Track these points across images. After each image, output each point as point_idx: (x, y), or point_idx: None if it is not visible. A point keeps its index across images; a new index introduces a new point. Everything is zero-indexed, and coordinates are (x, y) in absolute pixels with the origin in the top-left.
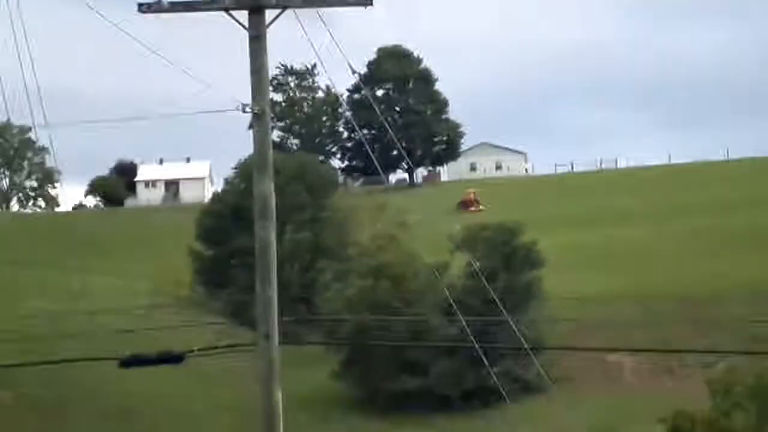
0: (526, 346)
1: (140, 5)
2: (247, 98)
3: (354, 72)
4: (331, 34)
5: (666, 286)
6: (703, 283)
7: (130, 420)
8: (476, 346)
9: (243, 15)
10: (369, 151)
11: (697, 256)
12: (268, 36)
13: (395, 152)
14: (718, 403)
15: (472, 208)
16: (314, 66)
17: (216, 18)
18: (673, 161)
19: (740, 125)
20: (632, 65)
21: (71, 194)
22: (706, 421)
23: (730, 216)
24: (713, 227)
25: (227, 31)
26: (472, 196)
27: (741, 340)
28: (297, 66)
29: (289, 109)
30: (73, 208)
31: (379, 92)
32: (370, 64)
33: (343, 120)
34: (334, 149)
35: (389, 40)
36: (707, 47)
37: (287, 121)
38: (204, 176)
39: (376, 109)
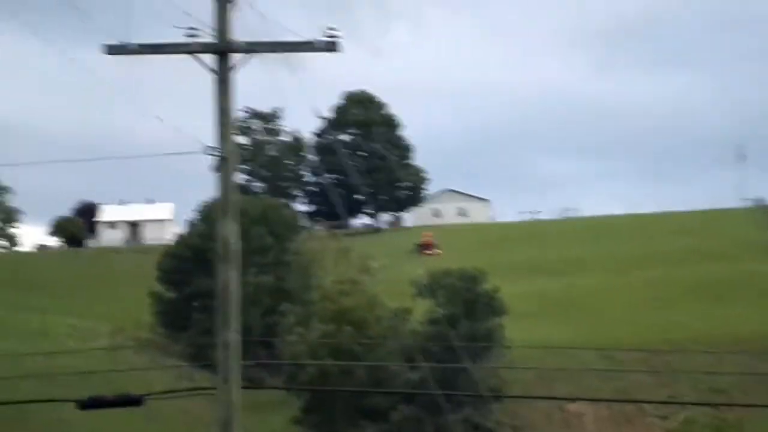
0: (486, 393)
1: (110, 47)
2: (212, 140)
3: (319, 116)
4: (297, 79)
5: (626, 336)
6: (662, 334)
7: None
8: (437, 393)
9: (209, 57)
10: (333, 195)
11: (656, 307)
12: (234, 79)
13: (359, 197)
14: None
15: (428, 251)
16: (279, 110)
17: (183, 61)
18: (635, 211)
19: (701, 176)
20: (597, 114)
21: (31, 234)
22: None
23: (688, 267)
24: (672, 278)
25: (194, 73)
26: (429, 239)
27: (699, 391)
28: (262, 108)
29: (253, 152)
30: (38, 249)
31: (344, 137)
32: (335, 109)
33: (307, 164)
34: (298, 193)
35: (355, 85)
36: (669, 99)
37: (252, 164)
38: (167, 218)
39: (341, 153)
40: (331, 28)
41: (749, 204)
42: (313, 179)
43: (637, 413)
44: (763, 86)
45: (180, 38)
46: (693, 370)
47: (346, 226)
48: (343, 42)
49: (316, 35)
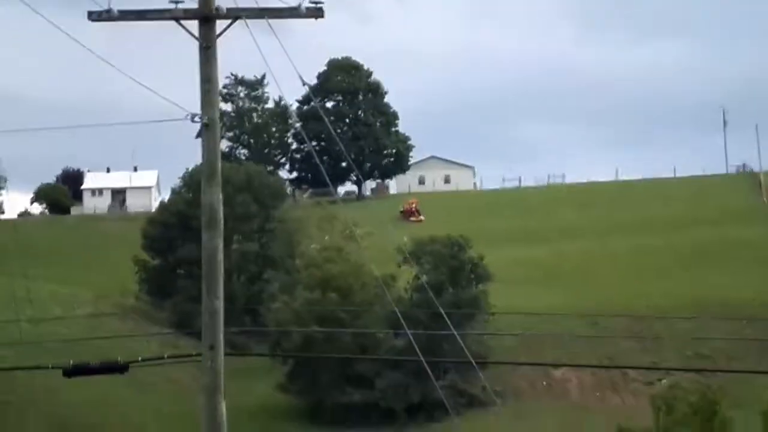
0: (471, 360)
1: (90, 13)
2: (197, 108)
3: (304, 83)
4: (281, 44)
5: (611, 302)
6: (647, 300)
7: (74, 429)
8: (422, 359)
9: (194, 25)
10: (318, 162)
11: (642, 273)
12: (218, 46)
13: (344, 164)
14: (661, 419)
15: (413, 218)
16: (264, 77)
17: (167, 27)
18: (621, 178)
19: (688, 144)
20: (582, 81)
21: (16, 201)
22: None
23: (675, 234)
24: (658, 245)
25: (178, 40)
26: (413, 206)
27: (685, 358)
28: (247, 76)
29: (238, 119)
30: (19, 215)
31: (329, 104)
32: (320, 76)
33: (292, 131)
34: (282, 160)
35: (340, 52)
36: (657, 66)
37: (236, 132)
38: (151, 185)
39: (326, 120)
40: None
41: (736, 170)
42: (297, 146)
43: (621, 379)
44: (750, 53)
45: (164, 4)
46: (678, 336)
47: (330, 194)
48: (328, 8)
49: (302, 1)
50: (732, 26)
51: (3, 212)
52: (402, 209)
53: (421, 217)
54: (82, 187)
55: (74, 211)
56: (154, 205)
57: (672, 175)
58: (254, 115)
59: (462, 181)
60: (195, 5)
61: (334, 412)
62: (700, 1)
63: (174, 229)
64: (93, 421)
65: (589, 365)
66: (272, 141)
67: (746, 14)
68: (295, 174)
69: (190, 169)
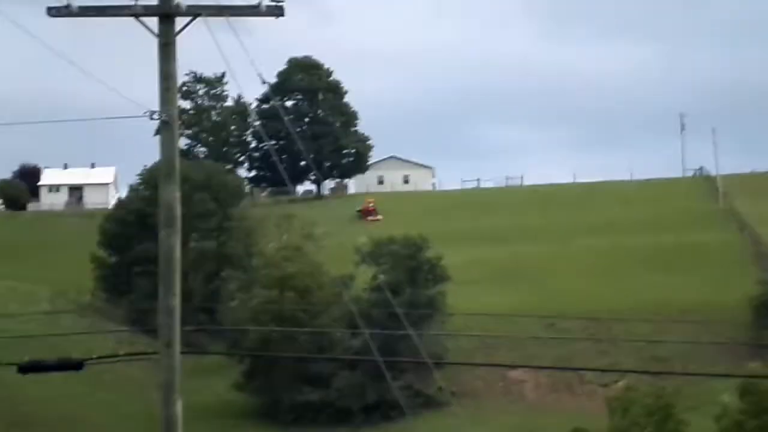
0: (428, 360)
1: (49, 9)
2: (155, 105)
3: (264, 81)
4: (241, 42)
5: (568, 304)
6: (604, 302)
7: (30, 426)
8: (378, 359)
9: (153, 22)
10: (277, 161)
11: (599, 276)
12: (178, 43)
13: (303, 163)
14: (616, 421)
15: (371, 218)
16: (224, 74)
17: (127, 24)
18: (578, 180)
19: (645, 148)
20: (541, 83)
21: None
22: None
23: (634, 237)
24: (615, 247)
25: (137, 37)
26: (370, 205)
27: (641, 360)
28: (207, 74)
29: (197, 117)
30: None
31: (289, 103)
32: (280, 74)
33: (251, 129)
34: (241, 159)
35: (300, 51)
36: (615, 68)
37: (195, 129)
38: (108, 182)
39: (285, 119)
40: None
41: (693, 174)
42: (257, 145)
43: (578, 381)
44: (709, 58)
45: (124, 1)
46: (634, 338)
47: (289, 193)
48: (289, 6)
49: None
50: (692, 32)
51: None
52: (359, 209)
53: (379, 217)
54: (39, 183)
55: (31, 207)
56: (112, 202)
57: (629, 178)
58: (213, 113)
59: (421, 182)
60: (155, 2)
61: (290, 411)
62: (661, 6)
63: (131, 226)
64: (47, 418)
65: (545, 367)
66: (231, 139)
67: (707, 20)
68: (254, 172)
69: (148, 166)
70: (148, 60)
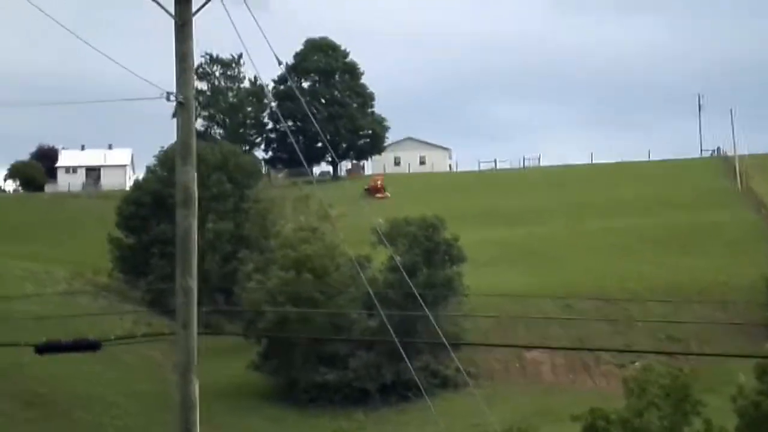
0: (444, 341)
1: None
2: (172, 86)
3: (280, 63)
4: (256, 21)
5: (585, 285)
6: (621, 283)
7: (45, 405)
8: (395, 340)
9: (170, 2)
10: (293, 142)
11: (616, 256)
12: (194, 24)
13: (320, 144)
14: (633, 401)
15: (378, 195)
16: (240, 56)
17: (143, 4)
18: (596, 161)
19: (663, 128)
20: (559, 62)
21: None
22: (621, 420)
23: (650, 217)
24: (632, 227)
25: (154, 17)
26: (378, 183)
27: (657, 341)
28: (223, 55)
29: (213, 98)
30: None
31: (305, 84)
32: (296, 56)
33: (268, 111)
34: (258, 140)
35: (317, 32)
36: (634, 47)
37: (211, 111)
38: (125, 163)
39: (302, 100)
40: None
41: (710, 154)
42: (273, 126)
43: (594, 362)
44: (728, 38)
45: None
46: (651, 319)
47: (306, 174)
48: None
49: None
50: (711, 10)
51: None
52: (367, 186)
53: (387, 194)
54: (57, 164)
55: (48, 188)
56: (129, 184)
57: (646, 159)
58: (230, 94)
59: (437, 163)
60: None
61: (307, 392)
62: None
63: (148, 207)
64: (64, 398)
65: (561, 347)
66: (248, 120)
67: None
68: (270, 154)
69: (164, 147)
70: (164, 40)
